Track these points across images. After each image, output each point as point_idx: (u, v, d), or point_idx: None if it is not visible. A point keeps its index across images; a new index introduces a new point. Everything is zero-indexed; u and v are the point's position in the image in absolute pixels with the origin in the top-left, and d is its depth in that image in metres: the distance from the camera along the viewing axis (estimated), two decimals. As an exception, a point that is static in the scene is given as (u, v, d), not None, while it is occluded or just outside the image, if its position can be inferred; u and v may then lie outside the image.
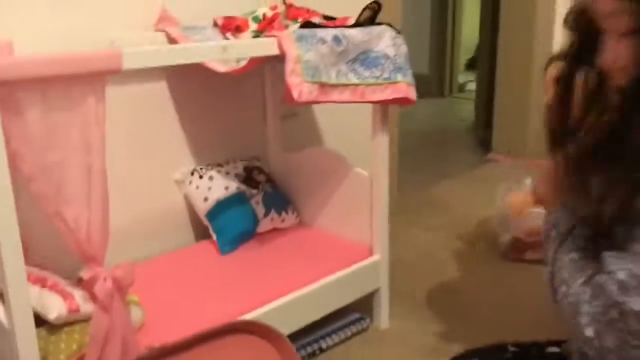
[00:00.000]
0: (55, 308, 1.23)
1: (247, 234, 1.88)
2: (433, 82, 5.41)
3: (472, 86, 5.25)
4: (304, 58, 1.44)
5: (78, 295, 1.28)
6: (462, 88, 5.61)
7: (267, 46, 1.45)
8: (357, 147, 1.95)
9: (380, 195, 1.73)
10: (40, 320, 1.27)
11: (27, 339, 1.13)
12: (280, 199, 1.98)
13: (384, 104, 1.64)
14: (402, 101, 1.60)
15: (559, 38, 3.22)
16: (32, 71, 1.07)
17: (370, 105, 1.67)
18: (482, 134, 3.96)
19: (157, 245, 1.87)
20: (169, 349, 1.03)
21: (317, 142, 2.26)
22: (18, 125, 1.09)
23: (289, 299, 1.57)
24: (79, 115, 1.15)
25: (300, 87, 1.43)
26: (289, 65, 1.43)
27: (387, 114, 1.69)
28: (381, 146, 1.70)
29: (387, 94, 1.55)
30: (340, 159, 1.85)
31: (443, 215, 2.69)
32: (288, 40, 1.44)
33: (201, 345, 1.08)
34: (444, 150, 3.88)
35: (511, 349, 1.08)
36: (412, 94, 1.59)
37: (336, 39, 1.49)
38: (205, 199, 1.86)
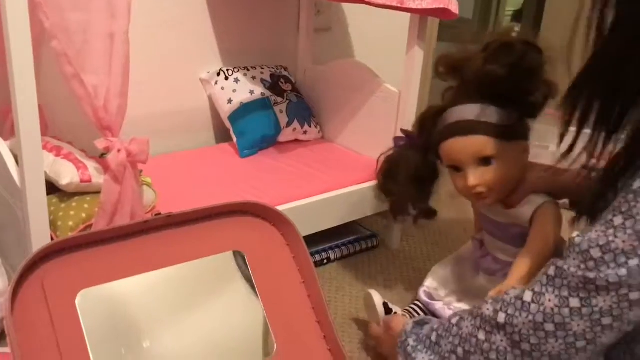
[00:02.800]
0: (67, 175, 1.23)
1: (268, 141, 1.86)
2: (475, 28, 5.23)
3: (515, 37, 5.08)
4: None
5: (91, 166, 1.27)
6: (504, 38, 5.41)
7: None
8: (389, 66, 1.89)
9: (408, 113, 1.68)
10: (53, 189, 1.27)
11: (38, 199, 1.13)
12: (304, 110, 1.94)
13: (422, 16, 1.57)
14: (443, 13, 1.52)
15: None
16: None
17: (407, 23, 1.60)
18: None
19: (176, 143, 1.86)
20: (174, 218, 1.02)
21: (349, 58, 2.19)
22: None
23: (303, 203, 1.55)
24: (105, -25, 1.11)
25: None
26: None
27: (425, 27, 1.61)
28: (415, 62, 1.63)
29: (427, 2, 1.48)
30: (371, 73, 1.79)
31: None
32: None
33: (206, 221, 1.07)
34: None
35: None
36: (454, 6, 1.51)
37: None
38: (229, 101, 1.83)
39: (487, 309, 0.94)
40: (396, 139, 1.39)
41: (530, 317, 0.87)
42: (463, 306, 1.31)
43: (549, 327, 0.86)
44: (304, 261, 1.10)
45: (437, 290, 1.37)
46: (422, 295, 1.37)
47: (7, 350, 1.06)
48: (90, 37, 1.14)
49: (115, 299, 0.96)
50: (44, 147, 1.31)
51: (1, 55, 1.06)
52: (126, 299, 0.97)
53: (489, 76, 1.16)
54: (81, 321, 0.91)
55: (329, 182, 1.65)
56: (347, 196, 1.65)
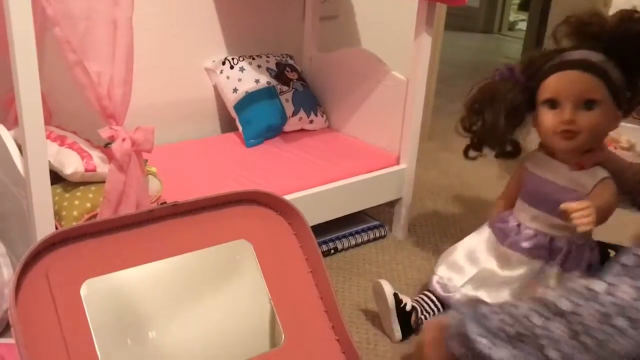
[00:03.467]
0: (71, 164, 1.21)
1: (274, 130, 1.84)
2: (482, 16, 5.19)
3: (522, 26, 5.03)
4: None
5: (96, 155, 1.25)
6: (511, 27, 5.36)
7: None
8: (396, 53, 1.86)
9: (415, 101, 1.66)
10: (58, 179, 1.26)
11: (42, 189, 1.12)
12: (310, 99, 1.92)
13: (431, 2, 1.54)
14: (451, -1, 1.50)
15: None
16: None
17: (415, 9, 1.57)
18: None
19: (181, 132, 1.85)
20: (180, 207, 1.00)
21: (355, 46, 2.16)
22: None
23: (310, 192, 1.53)
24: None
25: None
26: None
27: (434, 13, 1.59)
28: (423, 48, 1.61)
29: (435, -13, 1.45)
30: (377, 61, 1.77)
31: (476, 143, 2.60)
32: None
33: (212, 210, 1.05)
34: (485, 83, 3.72)
35: None
36: (462, -9, 1.49)
37: None
38: (235, 90, 1.81)
39: (550, 295, 0.85)
40: (496, 70, 1.34)
41: (600, 309, 0.78)
42: (482, 294, 1.28)
43: (621, 322, 0.77)
44: (312, 250, 1.09)
45: (451, 280, 1.34)
46: (437, 288, 1.35)
47: (12, 341, 1.05)
48: (93, 23, 1.12)
49: (120, 289, 0.95)
50: (48, 137, 1.30)
51: (4, 44, 1.05)
52: (132, 289, 0.96)
53: (626, 32, 1.18)
54: (86, 311, 0.90)
55: (336, 172, 1.63)
56: (354, 186, 1.63)
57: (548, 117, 1.24)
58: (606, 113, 1.20)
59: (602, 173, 1.24)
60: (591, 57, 1.20)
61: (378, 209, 1.85)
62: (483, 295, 1.27)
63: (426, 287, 1.40)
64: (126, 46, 1.17)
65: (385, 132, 1.77)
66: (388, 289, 1.27)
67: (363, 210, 1.75)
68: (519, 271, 1.28)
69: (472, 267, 1.34)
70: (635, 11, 1.20)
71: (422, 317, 1.32)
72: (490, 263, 1.33)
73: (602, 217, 1.17)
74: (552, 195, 1.25)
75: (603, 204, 1.18)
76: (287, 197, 1.45)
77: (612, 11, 1.35)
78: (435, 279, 1.37)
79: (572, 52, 1.23)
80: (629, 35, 1.19)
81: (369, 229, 1.74)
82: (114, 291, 0.94)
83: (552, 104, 1.22)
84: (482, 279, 1.31)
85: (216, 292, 1.02)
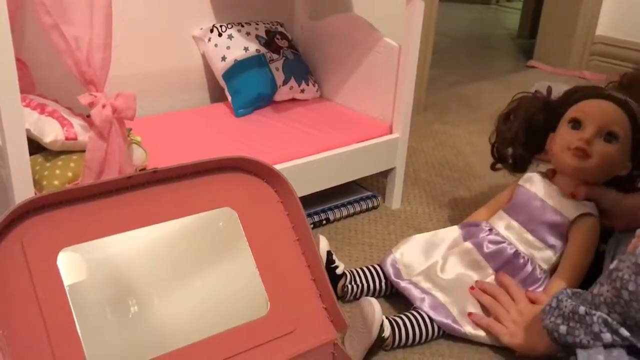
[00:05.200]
0: (51, 132, 1.18)
1: (264, 99, 1.80)
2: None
3: (520, -4, 4.95)
4: None
5: (77, 124, 1.22)
6: (509, -3, 5.29)
7: None
8: (389, 19, 1.81)
9: (408, 68, 1.61)
10: (40, 149, 1.23)
11: (19, 157, 1.08)
12: (301, 68, 1.87)
13: (423, -37, 1.49)
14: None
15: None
16: None
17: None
18: (525, 43, 3.75)
19: (170, 103, 1.81)
20: (160, 174, 0.97)
21: (347, 12, 2.11)
22: None
23: (301, 162, 1.50)
24: None
25: None
26: None
27: (426, -25, 1.54)
28: (415, 13, 1.55)
29: (427, -53, 1.40)
30: (370, 27, 1.72)
31: (471, 113, 2.56)
32: None
33: (195, 177, 1.02)
34: (482, 54, 3.67)
35: None
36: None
37: None
38: (223, 58, 1.76)
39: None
40: (535, 92, 1.41)
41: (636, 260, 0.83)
42: (429, 286, 1.24)
43: None
44: (298, 218, 1.06)
45: (407, 268, 1.29)
46: (390, 270, 1.29)
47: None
48: (68, -16, 1.08)
49: (99, 258, 0.92)
50: (28, 105, 1.26)
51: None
52: (111, 258, 0.93)
53: None
54: (63, 281, 0.87)
55: (328, 141, 1.59)
56: (346, 155, 1.59)
57: (567, 133, 1.27)
58: (621, 153, 1.24)
59: (589, 208, 1.26)
60: (628, 101, 1.25)
61: (371, 180, 1.82)
62: (431, 287, 1.24)
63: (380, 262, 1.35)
64: (105, 8, 1.12)
65: (378, 101, 1.73)
66: (323, 246, 1.24)
67: (356, 180, 1.71)
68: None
69: (428, 259, 1.31)
70: None
71: (350, 286, 1.28)
72: (445, 257, 1.31)
73: (587, 261, 1.23)
74: (535, 210, 1.28)
75: (588, 251, 1.23)
76: (278, 167, 1.42)
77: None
78: (390, 257, 1.32)
79: (613, 90, 1.29)
80: None
81: (362, 199, 1.71)
82: (92, 260, 0.91)
83: (576, 124, 1.26)
84: (431, 273, 1.27)
85: (199, 261, 0.99)
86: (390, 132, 1.70)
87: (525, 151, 1.39)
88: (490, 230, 1.32)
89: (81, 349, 0.85)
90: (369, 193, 1.74)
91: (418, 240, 1.35)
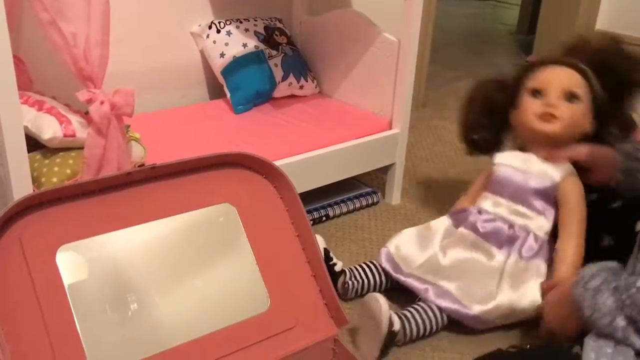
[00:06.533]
0: (49, 129, 1.17)
1: (263, 96, 1.79)
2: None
3: (519, -9, 4.94)
4: None
5: (75, 120, 1.21)
6: (508, -7, 5.27)
7: None
8: (388, 14, 1.81)
9: (407, 63, 1.61)
10: (39, 146, 1.22)
11: (18, 155, 1.07)
12: (300, 64, 1.87)
13: (421, -42, 1.49)
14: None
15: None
16: None
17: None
18: (524, 39, 3.75)
19: (168, 99, 1.80)
20: (159, 170, 0.96)
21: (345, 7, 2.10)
22: None
23: (300, 158, 1.49)
24: None
25: None
26: None
27: (424, -29, 1.53)
28: (414, 8, 1.55)
29: (426, -58, 1.40)
30: (368, 22, 1.72)
31: (471, 109, 2.55)
32: None
33: (194, 173, 1.01)
34: (480, 50, 3.67)
35: None
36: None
37: None
38: (222, 55, 1.75)
39: None
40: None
41: None
42: (431, 277, 1.24)
43: None
44: (298, 214, 1.05)
45: (405, 261, 1.29)
46: (387, 264, 1.30)
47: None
48: (65, -20, 1.07)
49: (99, 255, 0.91)
50: (26, 102, 1.26)
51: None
52: (111, 255, 0.92)
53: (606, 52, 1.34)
54: (62, 278, 0.87)
55: (327, 137, 1.59)
56: (346, 151, 1.59)
57: (531, 103, 1.32)
58: (584, 111, 1.30)
59: (569, 168, 1.29)
60: (579, 63, 1.32)
61: (371, 176, 1.82)
62: (431, 278, 1.24)
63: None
64: (102, 5, 1.12)
65: (377, 97, 1.73)
66: (319, 243, 1.22)
67: (355, 176, 1.71)
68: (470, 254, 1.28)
69: (425, 251, 1.30)
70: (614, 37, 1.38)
71: (350, 282, 1.27)
72: (443, 248, 1.30)
73: (584, 225, 1.24)
74: (519, 181, 1.31)
75: (582, 215, 1.25)
76: (277, 163, 1.42)
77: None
78: (385, 251, 1.32)
79: (563, 57, 1.36)
80: (608, 55, 1.33)
81: (362, 195, 1.71)
82: (91, 257, 0.91)
83: (537, 93, 1.32)
84: (431, 265, 1.27)
85: (200, 257, 0.99)
86: (390, 128, 1.70)
87: (492, 133, 1.43)
88: (479, 212, 1.32)
89: (80, 346, 0.85)
90: (368, 189, 1.74)
91: (411, 233, 1.35)
